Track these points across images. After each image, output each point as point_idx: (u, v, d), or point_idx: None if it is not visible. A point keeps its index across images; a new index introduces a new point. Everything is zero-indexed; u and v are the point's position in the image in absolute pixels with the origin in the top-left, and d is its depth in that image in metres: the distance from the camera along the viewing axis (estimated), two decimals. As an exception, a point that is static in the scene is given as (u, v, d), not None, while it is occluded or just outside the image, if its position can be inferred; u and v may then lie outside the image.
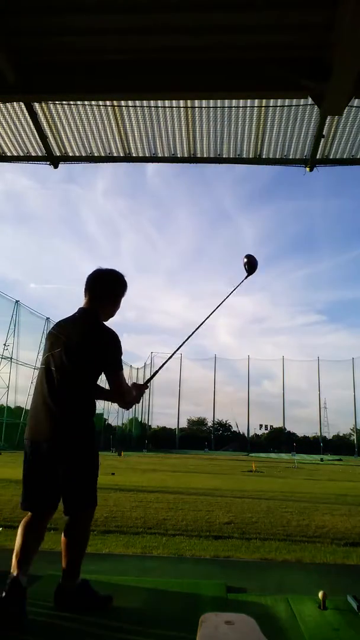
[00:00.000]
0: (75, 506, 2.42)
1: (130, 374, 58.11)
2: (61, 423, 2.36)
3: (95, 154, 3.82)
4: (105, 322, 2.65)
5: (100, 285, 2.67)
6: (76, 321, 2.58)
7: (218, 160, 3.80)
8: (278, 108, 3.34)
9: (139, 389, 2.74)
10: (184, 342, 3.04)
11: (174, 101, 3.33)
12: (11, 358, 37.44)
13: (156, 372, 3.01)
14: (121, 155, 3.79)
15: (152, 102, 3.35)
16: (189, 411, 74.26)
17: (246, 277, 3.29)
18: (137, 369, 63.44)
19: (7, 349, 36.89)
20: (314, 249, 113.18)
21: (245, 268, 3.28)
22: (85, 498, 2.42)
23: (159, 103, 3.35)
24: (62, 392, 2.39)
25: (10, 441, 36.55)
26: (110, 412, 51.52)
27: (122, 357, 2.60)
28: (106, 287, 2.68)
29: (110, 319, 2.76)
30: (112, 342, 2.51)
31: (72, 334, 2.50)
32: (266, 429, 67.66)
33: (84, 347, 2.46)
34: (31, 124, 3.55)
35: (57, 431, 2.35)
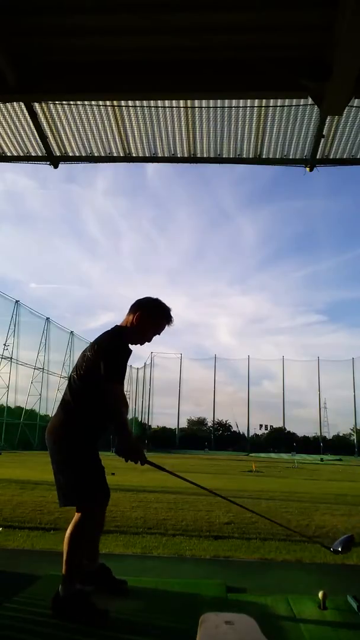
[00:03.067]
0: (62, 497, 2.49)
1: (131, 374, 58.08)
2: (52, 422, 2.59)
3: (95, 154, 3.82)
4: (128, 337, 2.64)
5: (133, 305, 2.74)
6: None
7: (218, 160, 3.79)
8: (278, 108, 3.34)
9: (137, 448, 2.49)
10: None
11: (174, 101, 3.32)
12: (11, 358, 37.45)
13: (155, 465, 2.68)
14: (121, 155, 3.79)
15: (152, 102, 3.35)
16: (189, 411, 74.22)
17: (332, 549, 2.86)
18: (138, 369, 63.44)
19: (7, 349, 36.90)
20: (315, 248, 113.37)
21: (341, 546, 2.82)
22: (66, 491, 2.47)
23: (159, 103, 3.35)
24: (64, 396, 2.60)
25: (10, 441, 36.54)
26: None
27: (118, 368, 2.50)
28: (133, 306, 2.73)
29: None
30: (104, 351, 2.51)
31: (89, 346, 2.66)
32: (266, 429, 67.72)
33: (87, 356, 2.58)
34: (31, 124, 3.55)
35: (49, 428, 2.57)
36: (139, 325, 2.66)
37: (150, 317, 2.68)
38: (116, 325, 2.72)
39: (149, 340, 2.75)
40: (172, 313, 2.75)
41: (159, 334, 2.76)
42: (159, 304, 2.74)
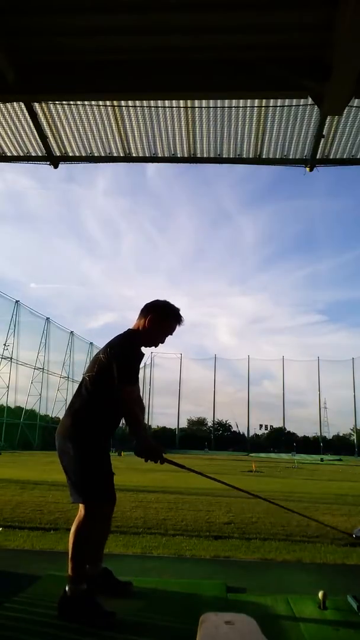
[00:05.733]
0: (70, 494, 2.53)
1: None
2: (63, 422, 2.60)
3: (95, 154, 3.82)
4: (140, 340, 2.69)
5: (142, 309, 2.78)
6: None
7: (218, 160, 3.80)
8: (278, 108, 3.34)
9: (155, 448, 2.54)
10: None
11: (174, 101, 3.33)
12: (11, 358, 37.40)
13: (177, 464, 2.77)
14: (121, 155, 3.79)
15: (152, 102, 3.35)
16: (189, 411, 74.00)
17: None
18: (138, 368, 63.23)
19: (7, 349, 36.86)
20: (315, 248, 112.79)
21: None
22: (72, 490, 2.50)
23: (159, 103, 3.35)
24: (74, 397, 2.63)
25: (10, 441, 36.52)
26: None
27: (131, 370, 2.54)
28: (144, 310, 2.77)
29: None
30: (117, 354, 2.54)
31: (102, 348, 2.69)
32: (266, 429, 67.66)
33: (100, 359, 2.61)
34: (31, 124, 3.55)
35: (60, 428, 2.59)
36: (151, 328, 2.71)
37: (161, 319, 2.73)
38: (129, 329, 2.76)
39: (162, 342, 2.81)
40: (181, 313, 2.79)
41: (170, 334, 2.81)
42: (169, 306, 2.78)
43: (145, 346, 2.75)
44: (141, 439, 2.52)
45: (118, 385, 2.46)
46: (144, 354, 2.69)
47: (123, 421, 2.73)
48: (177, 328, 2.80)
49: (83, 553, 2.42)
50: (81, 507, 2.47)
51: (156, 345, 2.80)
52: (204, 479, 2.97)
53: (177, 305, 2.80)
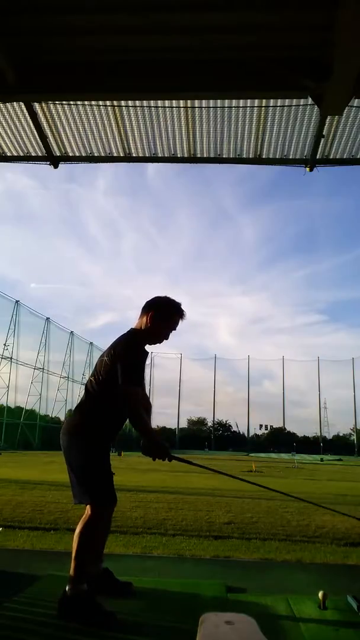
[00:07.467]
0: (74, 495, 2.53)
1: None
2: (68, 422, 2.64)
3: (95, 154, 3.82)
4: (143, 339, 2.69)
5: (143, 306, 2.76)
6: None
7: (218, 160, 3.80)
8: (278, 108, 3.34)
9: (160, 446, 2.49)
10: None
11: (174, 101, 3.33)
12: (11, 358, 37.41)
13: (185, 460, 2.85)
14: (121, 155, 3.79)
15: (152, 102, 3.35)
16: (189, 411, 74.06)
17: None
18: (137, 368, 63.17)
19: (7, 349, 36.87)
20: (315, 248, 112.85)
21: None
22: (78, 490, 2.50)
23: (159, 103, 3.35)
24: (83, 398, 2.67)
25: (10, 441, 36.51)
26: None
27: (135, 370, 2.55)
28: (145, 308, 2.75)
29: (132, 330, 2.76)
30: (120, 355, 2.53)
31: (106, 350, 2.69)
32: (266, 429, 67.66)
33: (104, 361, 2.61)
34: (31, 124, 3.55)
35: (64, 428, 2.62)
36: (153, 325, 2.69)
37: (162, 315, 2.71)
38: (131, 329, 2.75)
39: (166, 338, 2.78)
40: (182, 307, 2.77)
41: (174, 329, 2.79)
42: (169, 301, 2.77)
43: (150, 344, 2.73)
44: (147, 438, 2.48)
45: (122, 386, 2.44)
46: (147, 353, 2.69)
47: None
48: (180, 322, 2.78)
49: (87, 553, 2.43)
50: (88, 507, 2.46)
51: (160, 342, 2.77)
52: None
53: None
